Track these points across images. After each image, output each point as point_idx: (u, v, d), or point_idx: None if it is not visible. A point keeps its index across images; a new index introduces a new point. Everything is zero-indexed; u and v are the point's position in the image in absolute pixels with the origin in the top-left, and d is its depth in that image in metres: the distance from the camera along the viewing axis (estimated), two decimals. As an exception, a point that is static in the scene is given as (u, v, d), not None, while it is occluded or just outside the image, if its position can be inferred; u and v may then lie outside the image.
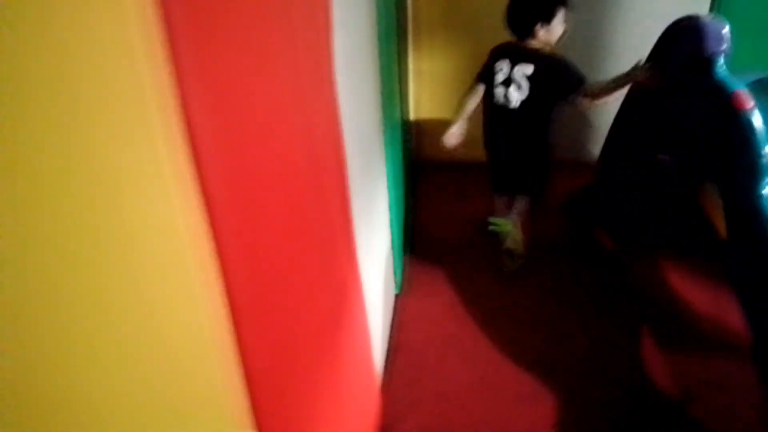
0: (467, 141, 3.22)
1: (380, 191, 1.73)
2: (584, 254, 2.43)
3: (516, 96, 2.12)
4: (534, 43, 2.09)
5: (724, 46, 1.76)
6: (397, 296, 2.16)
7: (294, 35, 0.82)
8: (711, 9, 2.67)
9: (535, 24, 2.05)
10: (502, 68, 2.13)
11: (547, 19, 2.04)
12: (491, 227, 2.36)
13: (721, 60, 1.77)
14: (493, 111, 2.22)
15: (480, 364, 1.88)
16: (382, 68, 1.65)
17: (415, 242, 2.48)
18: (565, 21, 2.07)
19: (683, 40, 1.84)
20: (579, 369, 1.84)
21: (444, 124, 3.25)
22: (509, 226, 2.33)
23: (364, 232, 1.39)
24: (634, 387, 1.77)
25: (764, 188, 1.47)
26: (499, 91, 2.15)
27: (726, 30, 1.77)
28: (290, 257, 0.83)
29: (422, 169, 3.10)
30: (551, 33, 2.07)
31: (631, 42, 2.67)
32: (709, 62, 1.77)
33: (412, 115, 3.09)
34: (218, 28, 0.58)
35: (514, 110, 2.14)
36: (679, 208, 2.49)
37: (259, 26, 0.70)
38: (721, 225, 1.76)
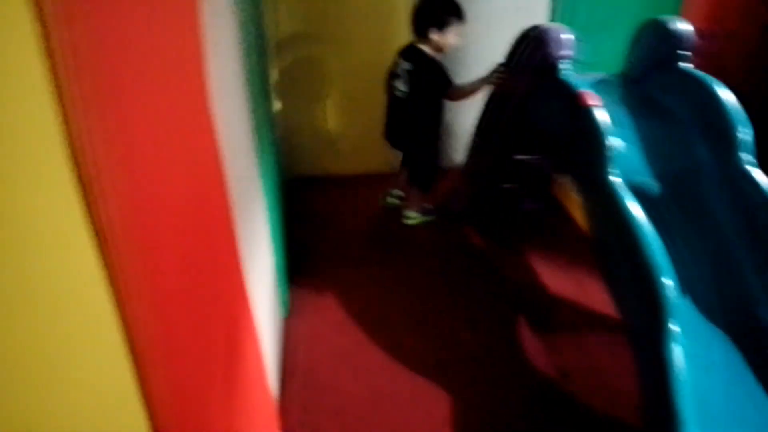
0: (340, 156, 3.26)
1: (259, 214, 1.68)
2: (461, 252, 2.54)
3: (401, 87, 2.41)
4: (426, 46, 2.33)
5: (568, 51, 1.93)
6: (285, 320, 2.10)
7: (165, 54, 0.77)
8: (551, 18, 2.94)
9: (429, 28, 2.30)
10: (398, 62, 2.42)
11: (440, 26, 2.29)
12: (404, 220, 2.70)
13: (566, 64, 1.93)
14: (388, 97, 2.54)
15: (373, 375, 1.88)
16: (250, 87, 1.61)
17: (298, 261, 2.44)
18: (459, 34, 2.31)
19: (531, 46, 1.99)
20: (467, 365, 1.91)
21: (314, 140, 3.26)
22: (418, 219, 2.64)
23: (249, 257, 1.34)
24: (519, 376, 1.87)
25: (612, 176, 1.62)
26: (392, 81, 2.46)
27: (569, 36, 1.93)
28: (183, 291, 0.77)
29: (296, 186, 3.07)
30: (443, 40, 2.31)
31: (484, 50, 2.84)
32: (553, 66, 1.93)
33: (281, 134, 3.06)
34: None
35: (400, 99, 2.44)
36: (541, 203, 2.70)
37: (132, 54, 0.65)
38: (578, 215, 1.92)
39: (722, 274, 1.62)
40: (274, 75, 2.89)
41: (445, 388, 1.81)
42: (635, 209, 1.52)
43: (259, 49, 2.19)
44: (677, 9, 3.08)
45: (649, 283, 1.39)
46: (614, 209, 1.56)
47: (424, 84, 2.36)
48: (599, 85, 2.13)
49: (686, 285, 1.62)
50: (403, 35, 2.90)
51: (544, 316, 2.14)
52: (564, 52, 1.92)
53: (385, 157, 3.15)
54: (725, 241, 1.66)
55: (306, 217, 2.83)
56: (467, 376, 1.87)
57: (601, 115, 1.69)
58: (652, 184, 1.79)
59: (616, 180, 1.61)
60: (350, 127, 3.11)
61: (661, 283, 1.38)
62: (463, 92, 2.37)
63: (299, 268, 2.39)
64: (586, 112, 1.70)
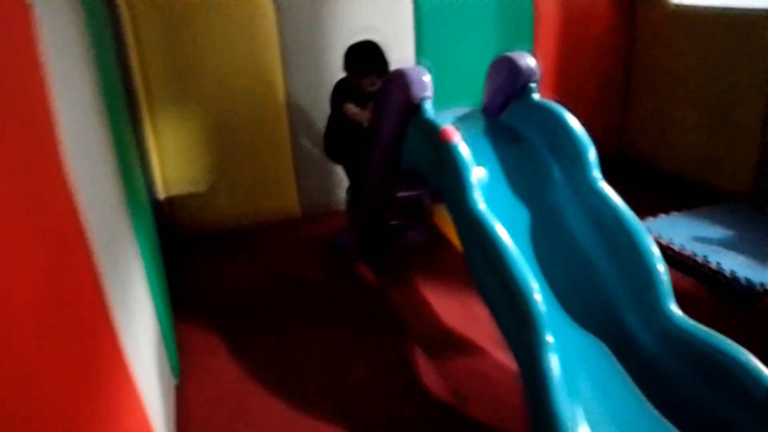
0: (220, 212, 3.21)
1: (137, 279, 1.62)
2: (354, 287, 2.58)
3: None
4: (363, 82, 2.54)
5: (429, 92, 2.05)
6: (177, 386, 2.02)
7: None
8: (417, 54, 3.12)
9: (347, 70, 2.58)
10: None
11: (357, 71, 2.54)
12: None
13: (428, 103, 2.05)
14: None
15: (272, 427, 1.85)
16: (116, 146, 1.57)
17: (188, 322, 2.36)
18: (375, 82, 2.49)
19: (394, 90, 2.10)
20: (368, 400, 1.92)
21: (195, 197, 3.21)
22: None
23: (127, 326, 1.29)
24: (417, 404, 1.91)
25: (477, 204, 1.73)
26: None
27: (428, 77, 2.06)
28: (45, 371, 0.74)
29: (185, 244, 2.98)
30: (360, 82, 2.54)
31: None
32: (417, 107, 2.04)
33: (161, 191, 2.98)
34: None
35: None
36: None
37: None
38: (454, 238, 2.03)
39: (587, 284, 1.76)
40: (147, 130, 2.83)
41: (347, 424, 1.82)
42: (501, 233, 1.63)
43: (128, 106, 2.16)
44: (530, 42, 3.37)
45: (520, 299, 1.49)
46: (482, 235, 1.66)
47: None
48: (462, 120, 2.28)
49: (556, 297, 1.74)
50: (278, 89, 2.97)
51: (437, 342, 2.21)
52: (425, 93, 2.04)
53: (271, 206, 3.16)
54: (586, 253, 1.81)
55: (193, 273, 2.75)
56: (368, 411, 1.88)
57: (463, 150, 1.81)
58: (516, 207, 1.93)
59: (481, 207, 1.72)
60: (236, 179, 3.08)
61: (532, 298, 1.48)
62: (349, 113, 2.54)
63: (190, 330, 2.31)
64: (448, 148, 1.81)
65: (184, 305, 2.46)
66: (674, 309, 1.60)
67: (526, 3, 3.27)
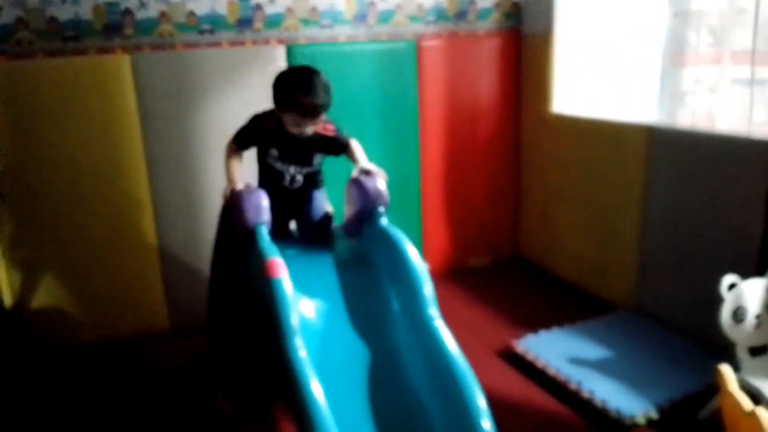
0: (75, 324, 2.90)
1: None
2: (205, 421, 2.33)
3: None
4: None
5: (265, 217, 1.92)
6: None
7: None
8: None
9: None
10: None
11: (281, 107, 2.01)
12: None
13: (263, 228, 1.91)
14: None
15: None
16: None
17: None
18: (295, 122, 2.01)
19: (234, 212, 1.96)
20: None
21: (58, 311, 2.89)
22: None
23: None
24: None
25: (296, 350, 1.57)
26: None
27: (265, 201, 1.94)
28: None
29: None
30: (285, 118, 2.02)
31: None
32: (252, 232, 1.90)
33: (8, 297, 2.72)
34: None
35: None
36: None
37: None
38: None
39: (413, 424, 1.60)
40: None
41: None
42: (314, 391, 1.48)
43: None
44: (416, 145, 3.34)
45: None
46: (295, 389, 1.50)
47: None
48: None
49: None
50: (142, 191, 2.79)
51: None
52: (261, 218, 1.91)
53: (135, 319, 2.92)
54: (419, 400, 1.65)
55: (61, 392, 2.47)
56: None
57: (286, 287, 1.66)
58: (352, 345, 1.78)
59: (299, 355, 1.57)
60: (93, 287, 2.84)
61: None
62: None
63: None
64: (270, 284, 1.67)
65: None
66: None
67: (411, 106, 3.26)
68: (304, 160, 2.15)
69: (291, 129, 2.02)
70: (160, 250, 2.89)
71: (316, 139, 2.09)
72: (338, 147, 2.18)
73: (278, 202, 2.08)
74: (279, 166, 2.13)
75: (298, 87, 1.94)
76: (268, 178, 2.16)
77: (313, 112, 1.97)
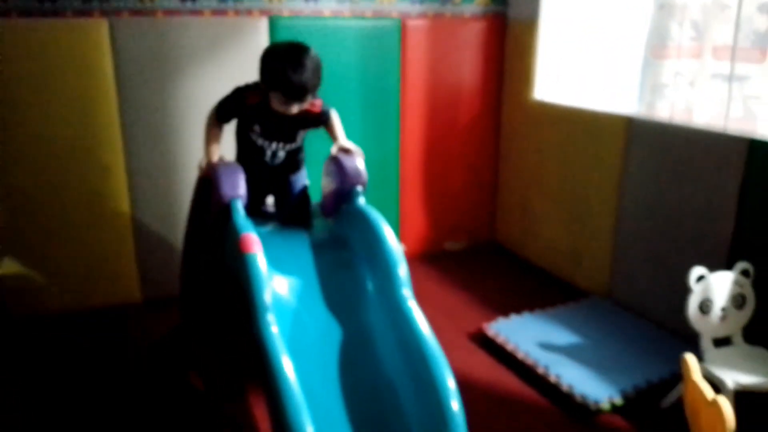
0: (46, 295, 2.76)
1: None
2: (177, 398, 2.31)
3: None
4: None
5: (240, 191, 1.89)
6: None
7: None
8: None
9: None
10: None
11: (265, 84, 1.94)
12: None
13: (238, 203, 1.89)
14: None
15: None
16: None
17: None
18: (281, 101, 1.92)
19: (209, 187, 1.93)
20: None
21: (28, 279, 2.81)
22: None
23: None
24: None
25: (267, 325, 1.56)
26: None
27: (241, 176, 1.91)
28: None
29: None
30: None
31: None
32: (227, 207, 1.88)
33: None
34: None
35: None
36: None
37: None
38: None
39: (385, 417, 1.60)
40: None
41: None
42: (285, 366, 1.48)
43: None
44: (397, 128, 3.32)
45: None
46: (265, 363, 1.50)
47: None
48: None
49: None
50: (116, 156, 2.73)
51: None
52: (236, 192, 1.88)
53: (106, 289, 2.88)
54: (389, 380, 1.66)
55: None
56: None
57: (260, 263, 1.65)
58: (325, 324, 1.77)
59: (270, 331, 1.56)
60: (63, 257, 2.79)
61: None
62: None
63: None
64: (244, 259, 1.65)
65: None
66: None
67: (393, 86, 3.23)
68: (288, 137, 2.09)
69: (277, 108, 1.95)
70: (134, 220, 2.85)
71: (303, 114, 2.01)
72: (321, 120, 2.13)
73: (257, 178, 2.04)
74: (261, 141, 2.06)
75: (287, 66, 1.84)
76: (247, 153, 2.10)
77: (301, 95, 1.89)
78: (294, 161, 2.18)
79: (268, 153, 2.09)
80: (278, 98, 1.91)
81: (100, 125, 2.68)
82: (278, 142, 2.08)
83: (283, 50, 1.91)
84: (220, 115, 2.05)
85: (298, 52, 1.88)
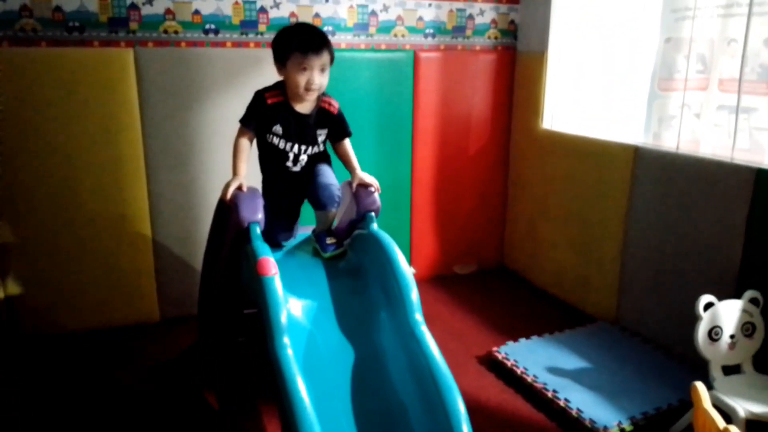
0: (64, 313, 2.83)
1: None
2: (192, 416, 2.36)
3: None
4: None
5: (259, 215, 1.96)
6: None
7: None
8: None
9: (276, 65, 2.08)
10: None
11: (281, 60, 2.02)
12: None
13: (256, 227, 1.96)
14: None
15: None
16: None
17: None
18: (308, 67, 1.95)
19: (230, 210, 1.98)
20: None
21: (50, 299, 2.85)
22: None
23: None
24: None
25: (284, 347, 1.62)
26: None
27: (260, 201, 1.98)
28: None
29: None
30: (286, 75, 2.03)
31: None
32: (246, 231, 1.95)
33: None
34: None
35: None
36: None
37: None
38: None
39: (395, 425, 1.65)
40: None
41: None
42: (300, 388, 1.54)
43: None
44: (409, 154, 3.40)
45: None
46: (281, 384, 1.55)
47: None
48: (303, 245, 2.21)
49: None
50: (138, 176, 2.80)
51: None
52: (254, 217, 1.96)
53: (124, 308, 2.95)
54: (401, 404, 1.70)
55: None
56: None
57: (277, 286, 1.71)
58: (338, 348, 1.82)
59: (286, 354, 1.62)
60: (84, 276, 2.87)
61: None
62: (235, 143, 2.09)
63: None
64: (261, 282, 1.72)
65: None
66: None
67: (406, 115, 3.33)
68: (309, 138, 2.07)
69: (299, 91, 1.96)
70: (154, 243, 2.93)
71: (321, 113, 2.07)
72: (340, 128, 2.15)
73: (282, 187, 2.10)
74: (282, 144, 2.04)
75: (298, 25, 2.05)
76: (270, 160, 2.09)
77: (317, 44, 1.93)
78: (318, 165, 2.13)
79: (291, 156, 2.08)
80: (296, 62, 1.94)
81: (124, 149, 2.78)
82: (300, 144, 2.07)
83: (289, 26, 2.08)
84: (245, 119, 2.07)
85: (303, 23, 2.10)
